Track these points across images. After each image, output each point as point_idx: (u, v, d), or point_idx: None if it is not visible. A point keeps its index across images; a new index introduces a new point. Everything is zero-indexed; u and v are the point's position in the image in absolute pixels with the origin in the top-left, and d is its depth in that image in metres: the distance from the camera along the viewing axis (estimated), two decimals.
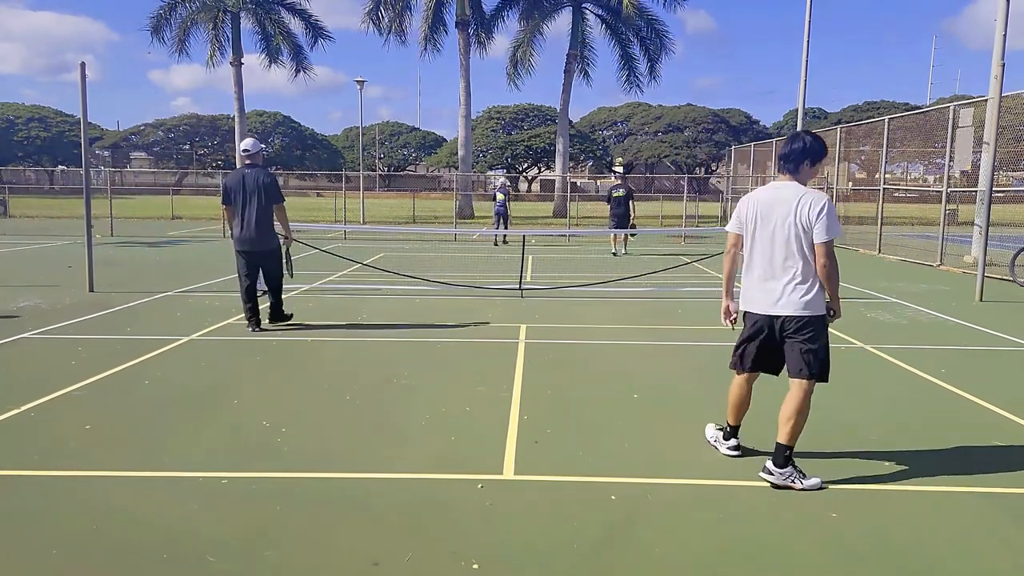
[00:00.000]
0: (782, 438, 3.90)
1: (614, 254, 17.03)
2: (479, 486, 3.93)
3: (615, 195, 16.96)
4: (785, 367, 4.04)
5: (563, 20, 34.52)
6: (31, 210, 30.83)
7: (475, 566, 3.11)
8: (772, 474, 3.93)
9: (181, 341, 7.33)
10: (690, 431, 4.86)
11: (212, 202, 29.22)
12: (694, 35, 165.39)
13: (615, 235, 17.14)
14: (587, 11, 34.05)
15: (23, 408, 5.12)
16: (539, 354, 6.98)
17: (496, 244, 19.57)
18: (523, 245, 11.34)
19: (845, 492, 3.90)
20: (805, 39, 23.14)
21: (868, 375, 6.43)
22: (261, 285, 8.05)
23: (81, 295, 10.04)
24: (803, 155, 3.97)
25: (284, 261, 8.14)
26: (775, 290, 3.97)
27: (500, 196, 19.86)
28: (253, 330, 7.76)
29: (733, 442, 4.39)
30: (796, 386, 3.92)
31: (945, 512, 3.67)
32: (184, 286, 11.03)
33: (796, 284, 3.91)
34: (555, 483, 4.01)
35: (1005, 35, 14.16)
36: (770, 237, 3.98)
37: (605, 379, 6.14)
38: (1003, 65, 13.94)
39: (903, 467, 4.21)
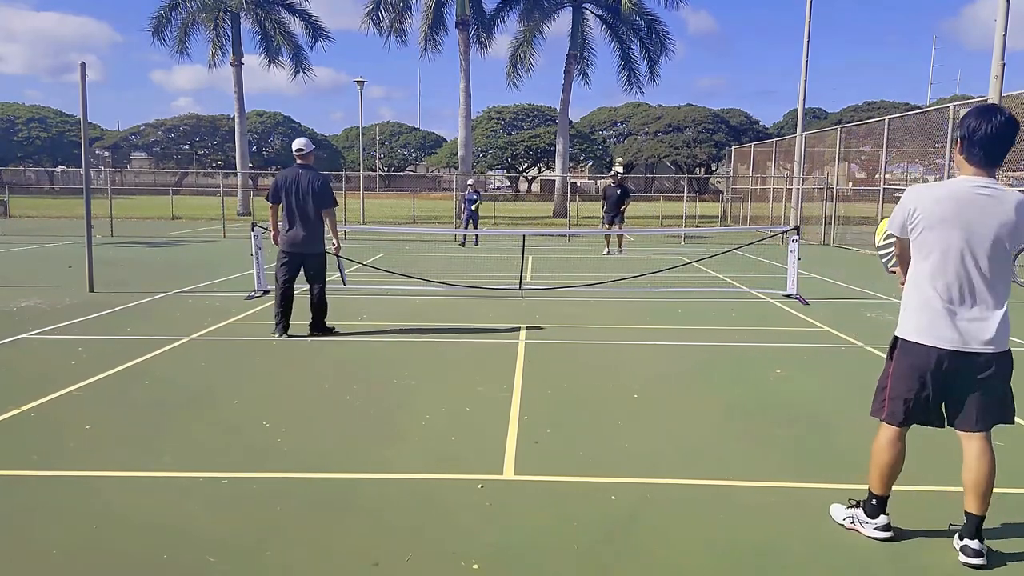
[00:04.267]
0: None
1: (608, 253, 17.41)
2: (479, 486, 3.92)
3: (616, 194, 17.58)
4: (960, 418, 3.22)
5: (563, 20, 34.60)
6: (31, 210, 30.85)
7: (475, 566, 3.11)
8: (979, 554, 3.14)
9: (181, 341, 7.33)
10: (690, 431, 4.86)
11: (212, 202, 29.23)
12: (694, 35, 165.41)
13: (610, 235, 17.59)
14: (587, 11, 34.07)
15: (23, 408, 5.12)
16: (539, 354, 6.98)
17: (463, 244, 19.77)
18: (523, 245, 11.33)
19: (845, 492, 3.89)
20: (805, 39, 23.16)
21: (868, 375, 6.41)
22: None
23: (81, 295, 10.04)
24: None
25: (338, 268, 8.05)
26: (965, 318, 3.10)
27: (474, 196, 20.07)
28: (280, 336, 7.42)
29: (884, 519, 3.37)
30: (980, 440, 3.21)
31: (945, 512, 3.66)
32: (184, 286, 11.03)
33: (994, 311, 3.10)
34: (555, 483, 4.01)
35: (1005, 35, 14.15)
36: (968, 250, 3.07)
37: (605, 379, 6.13)
38: (1003, 65, 13.96)
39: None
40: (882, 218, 3.68)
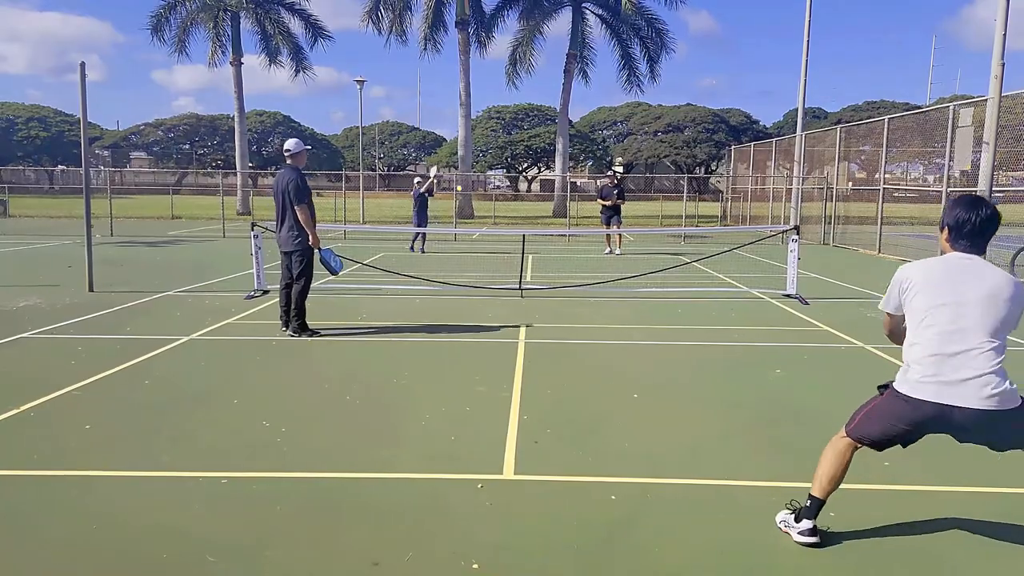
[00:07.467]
0: None
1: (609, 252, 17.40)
2: (479, 486, 3.92)
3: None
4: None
5: (563, 20, 34.56)
6: (31, 210, 30.83)
7: (475, 566, 3.11)
8: None
9: (181, 341, 7.33)
10: (690, 431, 4.86)
11: (212, 202, 29.22)
12: (695, 35, 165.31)
13: (609, 235, 17.65)
14: (587, 11, 34.05)
15: (23, 408, 5.12)
16: (539, 354, 6.98)
17: (414, 251, 17.27)
18: (523, 245, 11.33)
19: (844, 492, 3.89)
20: (805, 39, 23.15)
21: (869, 376, 6.42)
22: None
23: (81, 295, 10.04)
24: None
25: (322, 262, 7.87)
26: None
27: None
28: (283, 330, 7.67)
29: (808, 524, 3.31)
30: None
31: (944, 511, 3.67)
32: (184, 286, 11.03)
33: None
34: (555, 483, 4.01)
35: (1005, 35, 14.16)
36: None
37: (605, 379, 6.14)
38: (1003, 65, 13.96)
39: (902, 466, 4.21)
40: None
